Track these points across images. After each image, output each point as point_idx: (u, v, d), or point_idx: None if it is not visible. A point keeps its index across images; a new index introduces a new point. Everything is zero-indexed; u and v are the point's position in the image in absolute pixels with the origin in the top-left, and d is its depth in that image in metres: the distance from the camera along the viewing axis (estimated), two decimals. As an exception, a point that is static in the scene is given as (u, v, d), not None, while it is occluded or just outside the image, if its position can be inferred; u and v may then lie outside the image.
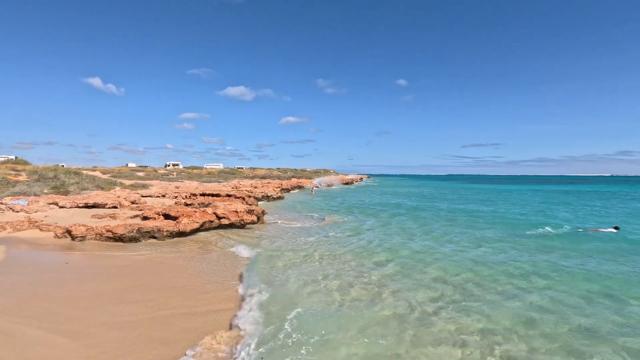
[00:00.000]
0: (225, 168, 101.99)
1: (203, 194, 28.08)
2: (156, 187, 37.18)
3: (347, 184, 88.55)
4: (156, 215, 16.80)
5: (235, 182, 54.48)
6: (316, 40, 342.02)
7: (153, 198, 27.16)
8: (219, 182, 54.37)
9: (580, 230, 18.45)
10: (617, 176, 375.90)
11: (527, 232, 17.86)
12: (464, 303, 8.10)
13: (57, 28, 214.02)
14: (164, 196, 28.72)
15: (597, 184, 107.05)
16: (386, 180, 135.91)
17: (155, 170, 69.93)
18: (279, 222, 20.83)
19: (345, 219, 22.87)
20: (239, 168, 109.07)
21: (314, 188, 56.08)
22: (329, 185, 62.33)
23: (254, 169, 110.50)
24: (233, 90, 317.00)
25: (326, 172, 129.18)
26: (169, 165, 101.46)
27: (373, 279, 9.80)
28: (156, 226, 14.52)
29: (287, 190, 57.24)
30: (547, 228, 18.90)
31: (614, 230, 17.77)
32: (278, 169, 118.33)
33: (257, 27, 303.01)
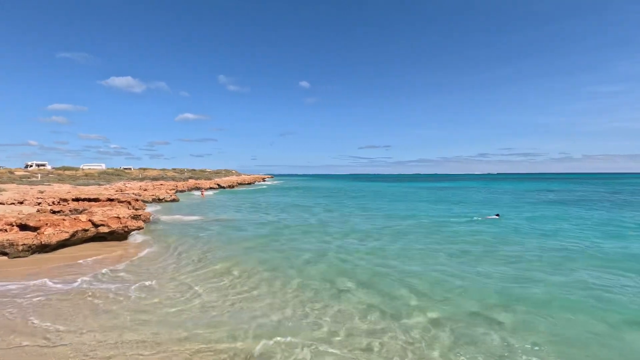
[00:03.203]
0: (108, 169, 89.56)
1: (77, 199, 24.20)
2: (11, 192, 30.59)
3: (230, 186, 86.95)
4: (8, 227, 13.82)
5: (120, 184, 48.38)
6: (218, 35, 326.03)
7: (5, 206, 22.28)
8: (99, 184, 47.55)
9: (478, 218, 24.48)
10: (484, 174, 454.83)
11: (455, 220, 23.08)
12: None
13: None
14: (21, 203, 23.85)
15: (475, 181, 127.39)
16: (291, 181, 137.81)
17: (11, 172, 57.40)
18: (170, 225, 19.34)
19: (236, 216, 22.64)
20: (125, 169, 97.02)
21: (204, 191, 53.53)
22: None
23: (144, 169, 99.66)
24: (118, 81, 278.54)
25: (228, 172, 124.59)
26: (31, 166, 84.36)
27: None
28: (7, 239, 11.97)
29: (183, 192, 53.46)
30: (472, 217, 24.80)
31: (497, 217, 24.59)
32: (174, 169, 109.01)
33: (147, 12, 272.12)
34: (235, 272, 10.99)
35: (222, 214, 26.06)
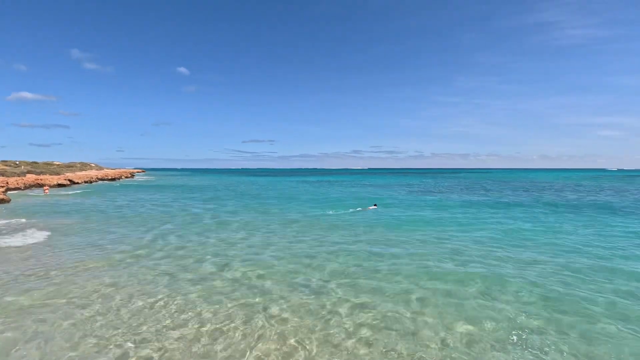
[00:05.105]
0: None
1: None
2: None
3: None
4: None
5: None
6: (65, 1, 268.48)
7: None
8: None
9: (360, 209, 26.41)
10: (358, 169, 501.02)
11: (339, 212, 24.88)
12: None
13: None
14: None
15: (351, 175, 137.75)
16: (166, 177, 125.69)
17: None
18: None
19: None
20: None
21: (47, 189, 44.11)
22: None
23: (-45, 161, 75.67)
24: None
25: (85, 165, 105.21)
26: None
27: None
28: None
29: (20, 189, 42.67)
30: (355, 208, 26.75)
31: (375, 207, 26.94)
32: (4, 161, 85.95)
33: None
34: None
35: (51, 221, 20.26)
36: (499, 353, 6.08)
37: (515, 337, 6.60)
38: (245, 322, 7.21)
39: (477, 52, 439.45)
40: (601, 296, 8.65)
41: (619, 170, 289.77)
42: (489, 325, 7.09)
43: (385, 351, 6.14)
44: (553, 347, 6.29)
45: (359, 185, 64.06)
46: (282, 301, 8.36)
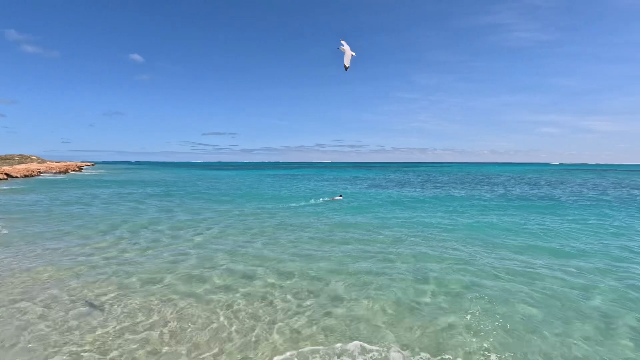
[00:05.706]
0: None
1: None
2: None
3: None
4: None
5: None
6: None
7: None
8: None
9: (327, 199, 27.72)
10: (320, 162, 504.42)
11: (311, 202, 26.60)
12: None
13: None
14: None
15: (314, 169, 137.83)
16: (119, 171, 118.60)
17: None
18: None
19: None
20: None
21: None
22: None
23: None
24: None
25: (24, 158, 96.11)
26: None
27: None
28: None
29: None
30: (317, 199, 27.92)
31: (340, 198, 28.39)
32: None
33: None
34: None
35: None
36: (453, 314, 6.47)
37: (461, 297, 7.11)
38: (233, 324, 6.91)
39: (434, 50, 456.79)
40: (524, 268, 10.48)
41: (560, 165, 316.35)
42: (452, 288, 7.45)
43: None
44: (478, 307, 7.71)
45: (323, 179, 64.39)
46: (271, 296, 8.16)
